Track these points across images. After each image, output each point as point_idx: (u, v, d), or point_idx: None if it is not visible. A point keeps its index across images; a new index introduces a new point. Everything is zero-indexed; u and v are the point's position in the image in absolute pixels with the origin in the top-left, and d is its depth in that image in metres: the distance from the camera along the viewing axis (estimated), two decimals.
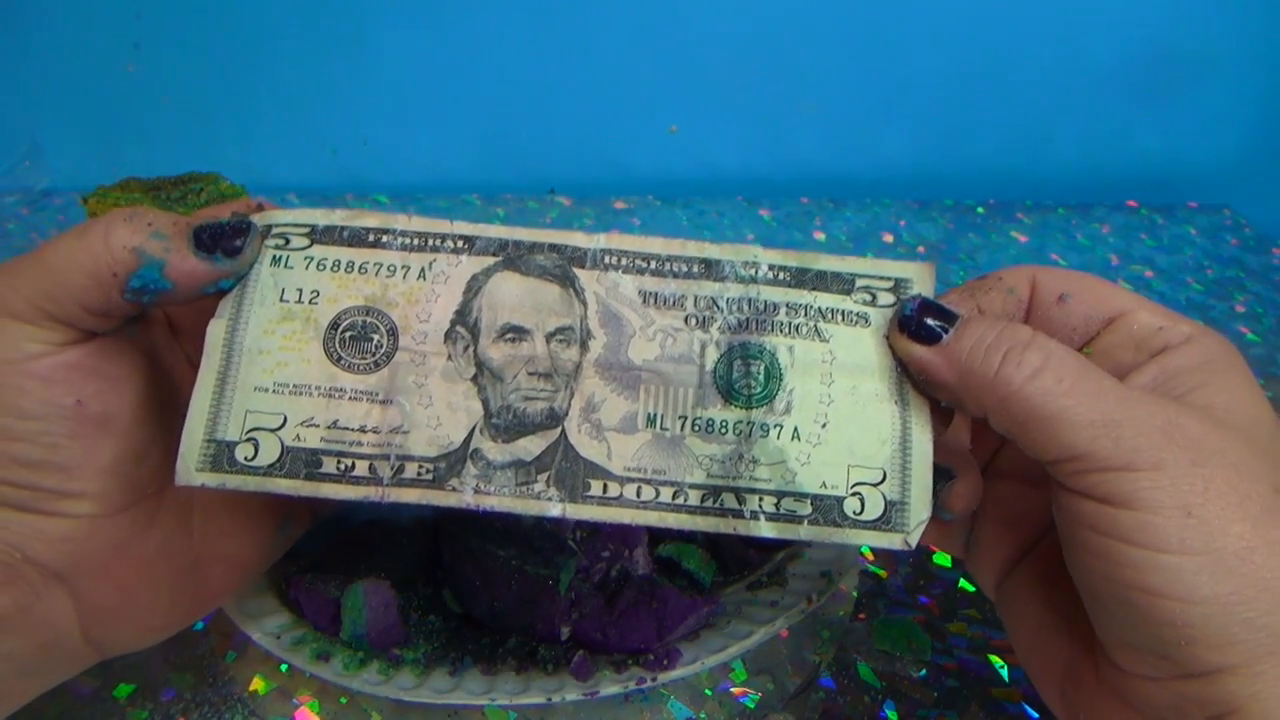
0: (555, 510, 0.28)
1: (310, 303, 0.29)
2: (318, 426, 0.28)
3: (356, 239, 0.30)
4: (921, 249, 0.74)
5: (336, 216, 0.30)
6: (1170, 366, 0.27)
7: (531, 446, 0.29)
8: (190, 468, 0.28)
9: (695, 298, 0.30)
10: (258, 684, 0.39)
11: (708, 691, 0.39)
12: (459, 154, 0.81)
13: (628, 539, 0.41)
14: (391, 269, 0.30)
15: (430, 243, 0.30)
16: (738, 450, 0.29)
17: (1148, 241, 0.77)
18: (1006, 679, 0.40)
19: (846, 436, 0.28)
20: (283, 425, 0.28)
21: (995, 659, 0.41)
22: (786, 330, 0.29)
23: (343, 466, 0.28)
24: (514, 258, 0.30)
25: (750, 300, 0.29)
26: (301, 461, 0.28)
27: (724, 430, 0.29)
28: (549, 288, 0.30)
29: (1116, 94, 0.80)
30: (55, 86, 0.76)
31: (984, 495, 0.32)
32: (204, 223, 0.28)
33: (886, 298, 0.29)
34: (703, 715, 0.38)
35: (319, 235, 0.30)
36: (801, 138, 0.81)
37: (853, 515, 0.28)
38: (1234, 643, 0.24)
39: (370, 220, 0.30)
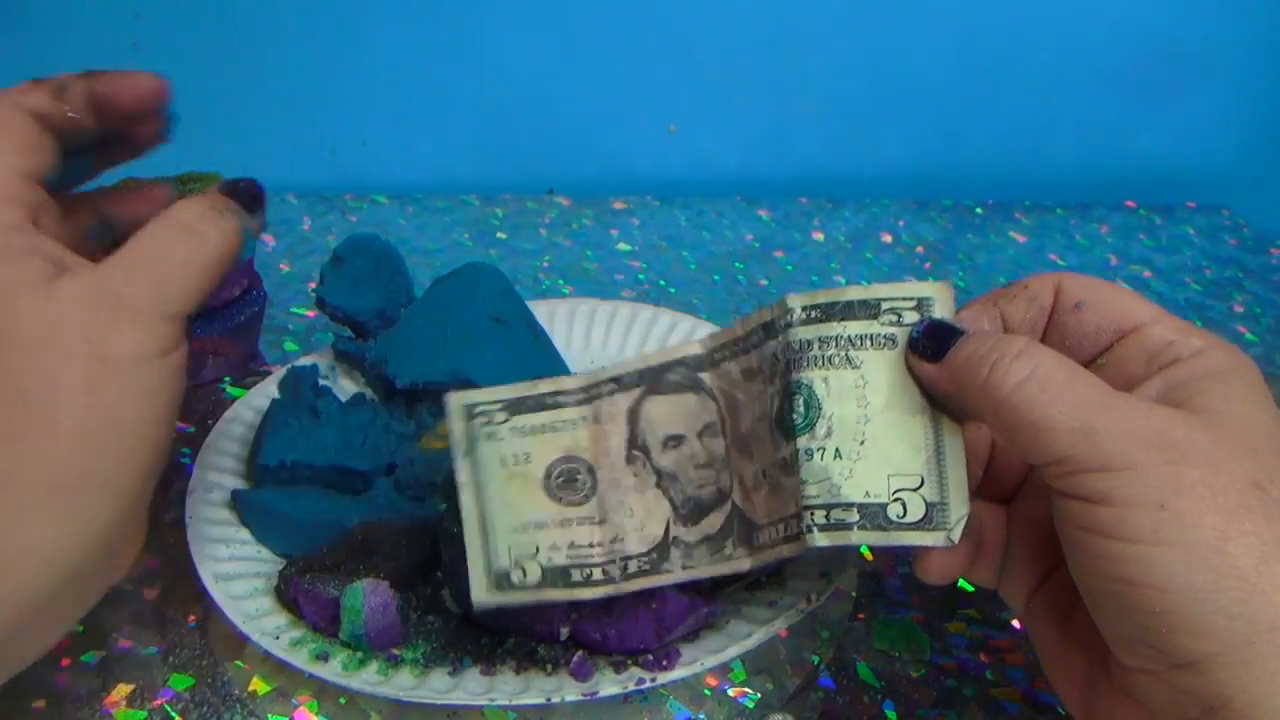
0: (745, 565, 0.34)
1: (525, 462, 0.36)
2: (561, 549, 0.35)
3: (540, 405, 0.36)
4: (920, 249, 0.75)
5: (520, 389, 0.36)
6: (1174, 378, 0.29)
7: (714, 521, 0.34)
8: (482, 592, 0.35)
9: (763, 360, 0.33)
10: (257, 684, 0.39)
11: (707, 692, 0.39)
12: (459, 154, 0.81)
13: None
14: (573, 423, 0.36)
15: (592, 392, 0.36)
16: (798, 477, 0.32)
17: (1146, 242, 0.77)
18: (1005, 680, 0.40)
19: (883, 449, 0.31)
20: (537, 552, 0.35)
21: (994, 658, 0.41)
22: (820, 363, 0.31)
23: (585, 574, 0.35)
24: (653, 383, 0.35)
25: (789, 344, 0.32)
26: (558, 575, 0.35)
27: (793, 462, 0.31)
28: (686, 398, 0.35)
29: (1115, 94, 0.80)
30: None
31: (1015, 517, 0.33)
32: (235, 188, 0.34)
33: (912, 316, 0.31)
34: (702, 715, 0.38)
35: (511, 407, 0.36)
36: (800, 138, 0.81)
37: (896, 519, 0.30)
38: (1211, 630, 0.25)
39: (545, 387, 0.36)
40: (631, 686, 0.36)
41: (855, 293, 0.32)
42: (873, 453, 0.31)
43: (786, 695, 0.39)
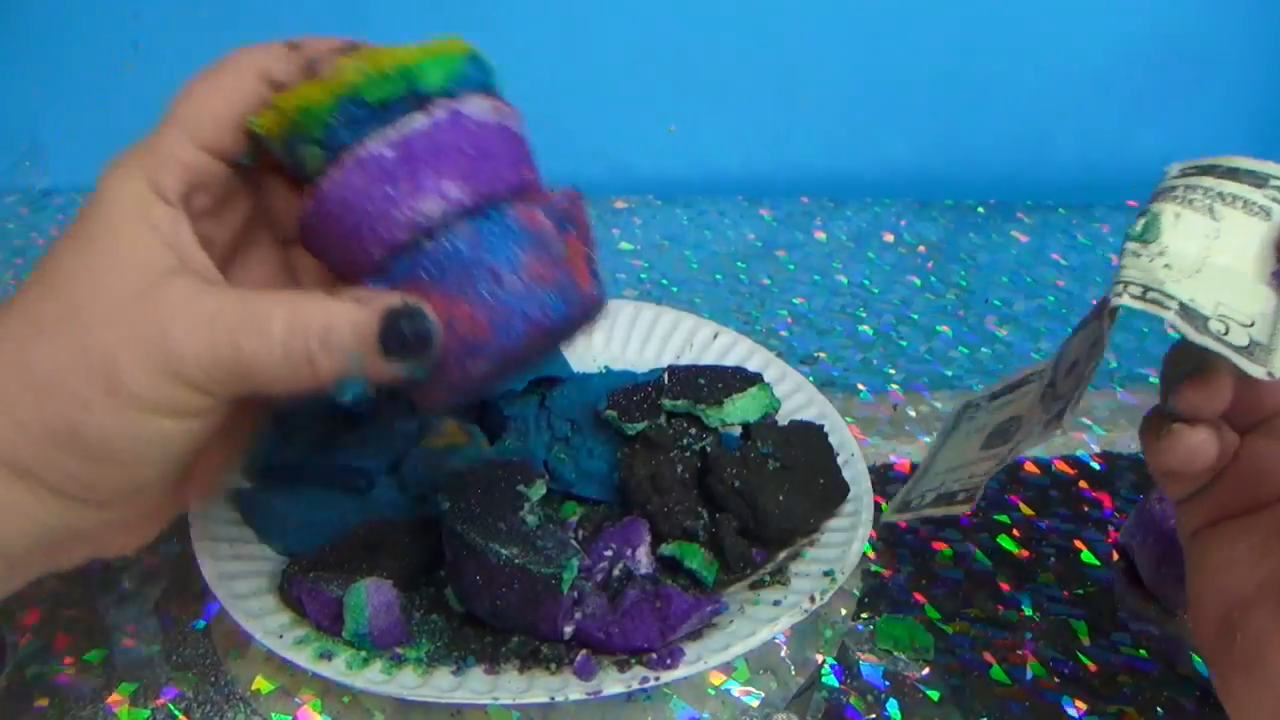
0: (1043, 439, 0.33)
1: (983, 430, 0.37)
2: (961, 478, 0.35)
3: (1011, 388, 0.37)
4: (922, 248, 0.75)
5: (1010, 380, 0.38)
6: None
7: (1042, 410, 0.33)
8: (890, 513, 0.36)
9: None
10: (260, 683, 0.39)
11: (710, 691, 0.39)
12: None
13: (630, 538, 0.41)
14: (1026, 393, 0.36)
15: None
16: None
17: None
18: (1008, 679, 0.40)
19: (1217, 287, 0.28)
20: (942, 484, 0.35)
21: (997, 661, 0.41)
22: (1179, 200, 0.29)
23: (967, 495, 0.34)
24: (1081, 325, 0.34)
25: (1155, 192, 0.30)
26: (944, 499, 0.34)
27: (1114, 274, 0.29)
28: (1092, 326, 0.32)
29: (1117, 94, 0.80)
30: (55, 86, 0.76)
31: (1243, 450, 0.31)
32: (389, 328, 0.27)
33: None
34: (705, 714, 0.38)
35: (998, 394, 0.38)
36: (801, 137, 0.81)
37: (1216, 333, 0.27)
38: None
39: (1018, 377, 0.37)
40: (635, 685, 0.36)
41: (1246, 162, 0.29)
42: (1204, 284, 0.28)
43: (790, 694, 0.39)
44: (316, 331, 0.27)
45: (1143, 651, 0.42)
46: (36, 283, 0.28)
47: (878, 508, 0.45)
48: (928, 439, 0.54)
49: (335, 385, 0.28)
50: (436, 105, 0.30)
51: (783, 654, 0.41)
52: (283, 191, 0.34)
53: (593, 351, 0.55)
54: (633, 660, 0.37)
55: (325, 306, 0.27)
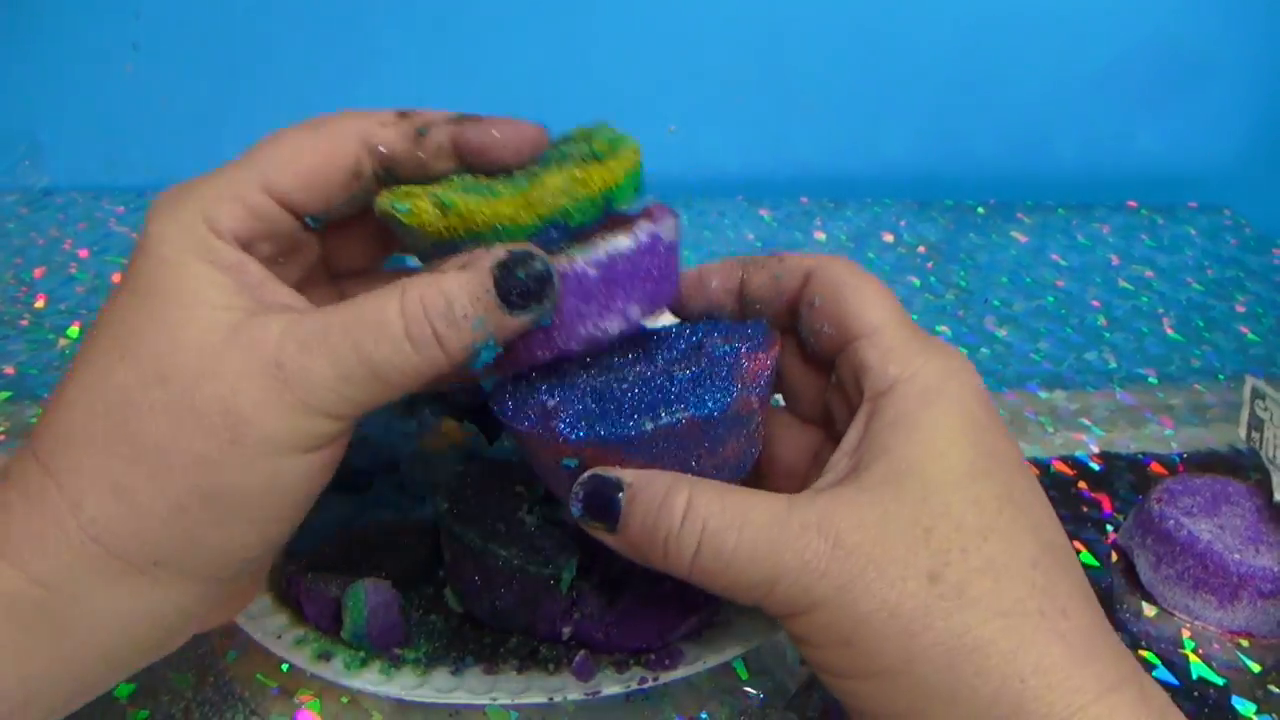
0: None
1: None
2: None
3: None
4: (922, 249, 0.75)
5: None
6: (874, 419, 0.28)
7: None
8: None
9: None
10: (259, 683, 0.39)
11: (710, 691, 0.39)
12: None
13: None
14: None
15: None
16: None
17: (1148, 242, 0.77)
18: None
19: None
20: None
21: None
22: None
23: None
24: None
25: None
26: None
27: None
28: None
29: (1117, 94, 0.80)
30: (55, 86, 0.76)
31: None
32: (505, 280, 0.26)
33: None
34: (704, 715, 0.38)
35: None
36: (801, 138, 0.81)
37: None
38: None
39: None
40: (634, 686, 0.36)
41: None
42: None
43: (789, 695, 0.39)
44: (437, 309, 0.26)
45: (1142, 652, 0.42)
46: (103, 348, 0.26)
47: None
48: None
49: (466, 358, 0.27)
50: (639, 227, 0.30)
51: (782, 654, 0.41)
52: (347, 243, 0.34)
53: None
54: (631, 661, 0.37)
55: (436, 283, 0.26)
